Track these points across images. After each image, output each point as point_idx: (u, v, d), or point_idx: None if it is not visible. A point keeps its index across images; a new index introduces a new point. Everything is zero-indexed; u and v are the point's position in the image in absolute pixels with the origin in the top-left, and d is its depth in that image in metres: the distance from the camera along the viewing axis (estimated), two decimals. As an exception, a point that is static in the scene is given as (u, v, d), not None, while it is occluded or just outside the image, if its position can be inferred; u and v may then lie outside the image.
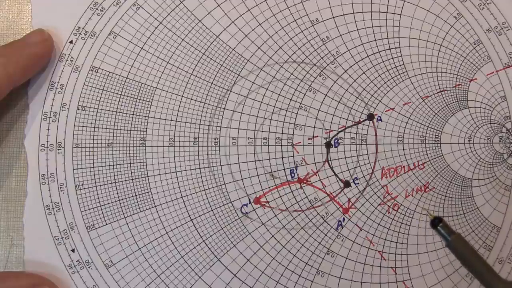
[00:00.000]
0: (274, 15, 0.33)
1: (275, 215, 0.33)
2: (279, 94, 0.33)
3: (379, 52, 0.33)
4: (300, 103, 0.33)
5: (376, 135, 0.33)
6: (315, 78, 0.33)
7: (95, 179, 0.32)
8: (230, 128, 0.33)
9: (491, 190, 0.33)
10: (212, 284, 0.32)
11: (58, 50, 0.32)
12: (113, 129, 0.32)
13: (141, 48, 0.33)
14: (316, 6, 0.33)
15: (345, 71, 0.33)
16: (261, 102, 0.33)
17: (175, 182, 0.32)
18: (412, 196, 0.33)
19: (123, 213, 0.32)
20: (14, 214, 0.32)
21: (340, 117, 0.33)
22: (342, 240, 0.33)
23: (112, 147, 0.32)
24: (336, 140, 0.33)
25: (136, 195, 0.32)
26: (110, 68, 0.32)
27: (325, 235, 0.33)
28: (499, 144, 0.34)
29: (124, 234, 0.32)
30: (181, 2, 0.33)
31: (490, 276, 0.25)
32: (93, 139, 0.32)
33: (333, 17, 0.33)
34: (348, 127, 0.33)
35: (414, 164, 0.33)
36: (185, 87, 0.33)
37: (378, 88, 0.34)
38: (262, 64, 0.33)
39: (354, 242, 0.33)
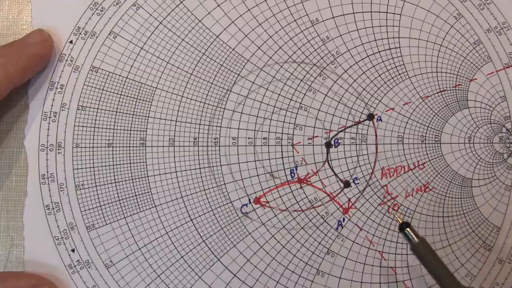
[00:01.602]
0: (274, 15, 0.33)
1: (275, 215, 0.33)
2: (279, 94, 0.33)
3: (379, 52, 0.33)
4: (300, 103, 0.33)
5: (376, 135, 0.33)
6: (315, 78, 0.33)
7: (95, 179, 0.32)
8: (230, 128, 0.33)
9: (491, 190, 0.33)
10: (212, 284, 0.32)
11: (58, 50, 0.32)
12: (113, 129, 0.32)
13: (141, 48, 0.33)
14: (316, 6, 0.33)
15: (345, 71, 0.33)
16: (261, 102, 0.33)
17: (175, 182, 0.32)
18: (412, 196, 0.33)
19: (123, 213, 0.32)
20: (14, 214, 0.32)
21: (340, 117, 0.33)
22: (342, 240, 0.33)
23: (112, 147, 0.32)
24: (336, 140, 0.33)
25: (136, 195, 0.32)
26: (110, 68, 0.32)
27: (325, 235, 0.33)
28: (499, 144, 0.34)
29: (124, 234, 0.32)
30: (181, 2, 0.33)
31: (451, 282, 0.26)
32: (93, 139, 0.32)
33: (333, 17, 0.33)
34: (348, 127, 0.33)
35: (414, 164, 0.33)
36: (185, 87, 0.33)
37: (378, 88, 0.34)
38: (262, 64, 0.33)
39: (354, 242, 0.33)
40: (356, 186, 0.33)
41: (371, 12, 0.34)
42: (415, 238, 0.27)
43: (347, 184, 0.33)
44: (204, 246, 0.32)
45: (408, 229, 0.28)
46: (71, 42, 0.32)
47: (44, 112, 0.32)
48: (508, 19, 0.34)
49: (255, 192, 0.33)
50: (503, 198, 0.33)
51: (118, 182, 0.32)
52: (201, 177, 0.33)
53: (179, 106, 0.33)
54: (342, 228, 0.33)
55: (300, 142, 0.33)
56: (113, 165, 0.32)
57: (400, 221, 0.28)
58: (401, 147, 0.33)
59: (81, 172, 0.32)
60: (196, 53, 0.33)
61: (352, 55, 0.33)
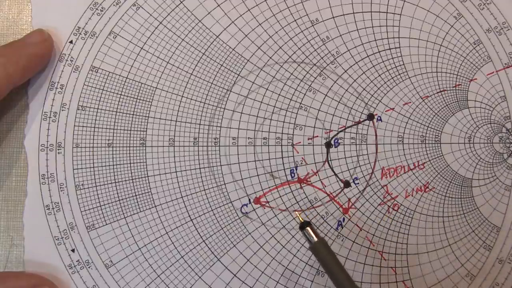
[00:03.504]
0: (274, 15, 0.33)
1: (275, 215, 0.33)
2: (279, 94, 0.33)
3: (379, 52, 0.33)
4: (300, 103, 0.33)
5: (376, 135, 0.33)
6: (315, 78, 0.33)
7: (95, 179, 0.32)
8: (230, 128, 0.33)
9: (491, 190, 0.33)
10: (212, 284, 0.32)
11: (58, 50, 0.32)
12: (113, 129, 0.32)
13: (141, 48, 0.33)
14: (316, 6, 0.33)
15: (345, 71, 0.33)
16: (261, 102, 0.33)
17: (175, 182, 0.32)
18: (412, 196, 0.33)
19: (123, 213, 0.32)
20: (14, 214, 0.32)
21: (340, 117, 0.33)
22: (342, 240, 0.33)
23: (112, 147, 0.32)
24: (336, 140, 0.33)
25: (136, 195, 0.32)
26: (110, 68, 0.32)
27: (325, 235, 0.33)
28: (499, 144, 0.34)
29: (124, 234, 0.32)
30: (181, 2, 0.33)
31: (347, 283, 0.26)
32: (93, 139, 0.32)
33: (333, 17, 0.33)
34: (348, 127, 0.33)
35: (414, 164, 0.33)
36: (185, 87, 0.33)
37: (378, 88, 0.34)
38: (262, 64, 0.33)
39: (354, 242, 0.33)
40: (356, 186, 0.33)
41: (371, 12, 0.34)
42: (314, 238, 0.28)
43: (347, 184, 0.33)
44: (204, 246, 0.32)
45: (308, 228, 0.28)
46: (71, 42, 0.32)
47: (44, 112, 0.32)
48: (508, 19, 0.34)
49: (255, 192, 0.33)
50: (503, 198, 0.33)
51: (118, 182, 0.32)
52: (201, 177, 0.33)
53: (179, 106, 0.33)
54: (342, 228, 0.33)
55: (300, 142, 0.33)
56: (113, 165, 0.32)
57: (301, 220, 0.28)
58: (401, 147, 0.33)
59: (81, 172, 0.32)
60: (196, 53, 0.33)
61: (352, 55, 0.33)
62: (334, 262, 0.27)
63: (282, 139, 0.33)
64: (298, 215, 0.31)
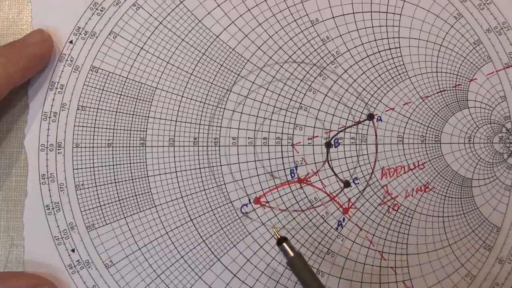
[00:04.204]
0: (274, 15, 0.33)
1: (275, 215, 0.33)
2: (279, 94, 0.33)
3: (379, 52, 0.33)
4: (300, 103, 0.33)
5: (376, 135, 0.33)
6: (315, 78, 0.33)
7: (95, 179, 0.32)
8: (230, 128, 0.33)
9: (491, 190, 0.33)
10: (212, 284, 0.32)
11: (58, 50, 0.32)
12: (113, 129, 0.32)
13: (141, 48, 0.33)
14: (316, 6, 0.33)
15: (345, 71, 0.33)
16: (261, 102, 0.33)
17: (175, 182, 0.32)
18: (412, 196, 0.33)
19: (123, 213, 0.32)
20: (14, 214, 0.32)
21: (340, 117, 0.33)
22: (342, 240, 0.33)
23: (112, 147, 0.32)
24: (336, 140, 0.33)
25: (136, 195, 0.32)
26: (110, 68, 0.32)
27: (325, 235, 0.33)
28: (499, 144, 0.34)
29: (124, 234, 0.32)
30: (181, 2, 0.33)
31: None
32: (93, 139, 0.32)
33: (333, 17, 0.33)
34: (348, 127, 0.33)
35: (414, 164, 0.33)
36: (185, 87, 0.33)
37: (378, 88, 0.34)
38: (262, 64, 0.33)
39: (354, 242, 0.33)
40: (356, 186, 0.33)
41: (371, 12, 0.34)
42: (291, 253, 0.28)
43: (347, 184, 0.33)
44: (204, 246, 0.32)
45: (284, 243, 0.28)
46: (71, 42, 0.32)
47: (44, 112, 0.32)
48: (508, 19, 0.34)
49: (255, 192, 0.33)
50: (503, 198, 0.33)
51: (118, 182, 0.32)
52: (201, 177, 0.33)
53: (179, 106, 0.33)
54: (342, 228, 0.33)
55: (300, 142, 0.33)
56: (113, 165, 0.32)
57: (278, 236, 0.29)
58: (401, 147, 0.33)
59: (81, 172, 0.32)
60: (196, 53, 0.33)
61: (352, 55, 0.33)
62: (311, 276, 0.27)
63: (282, 139, 0.33)
64: (274, 230, 0.31)
